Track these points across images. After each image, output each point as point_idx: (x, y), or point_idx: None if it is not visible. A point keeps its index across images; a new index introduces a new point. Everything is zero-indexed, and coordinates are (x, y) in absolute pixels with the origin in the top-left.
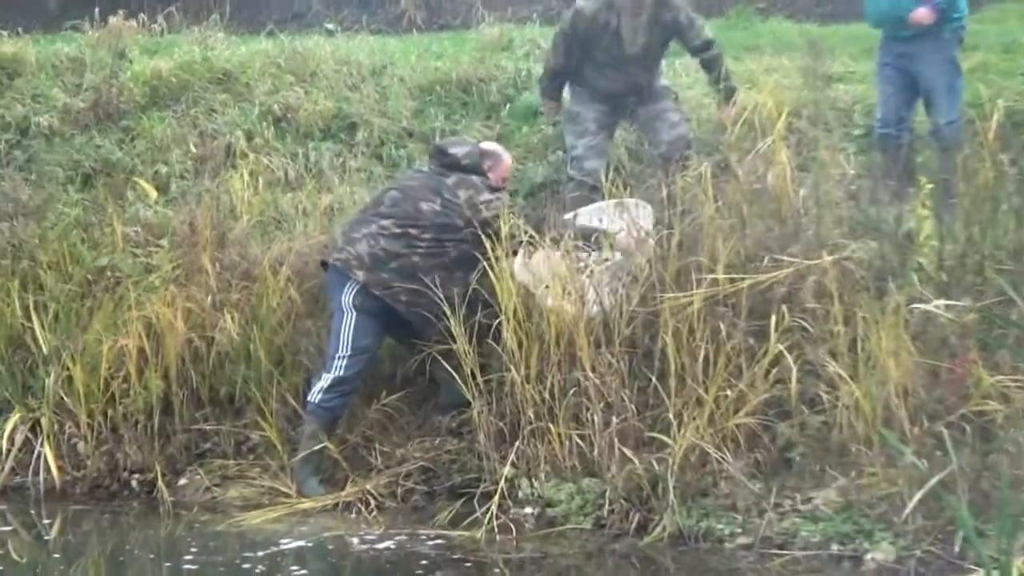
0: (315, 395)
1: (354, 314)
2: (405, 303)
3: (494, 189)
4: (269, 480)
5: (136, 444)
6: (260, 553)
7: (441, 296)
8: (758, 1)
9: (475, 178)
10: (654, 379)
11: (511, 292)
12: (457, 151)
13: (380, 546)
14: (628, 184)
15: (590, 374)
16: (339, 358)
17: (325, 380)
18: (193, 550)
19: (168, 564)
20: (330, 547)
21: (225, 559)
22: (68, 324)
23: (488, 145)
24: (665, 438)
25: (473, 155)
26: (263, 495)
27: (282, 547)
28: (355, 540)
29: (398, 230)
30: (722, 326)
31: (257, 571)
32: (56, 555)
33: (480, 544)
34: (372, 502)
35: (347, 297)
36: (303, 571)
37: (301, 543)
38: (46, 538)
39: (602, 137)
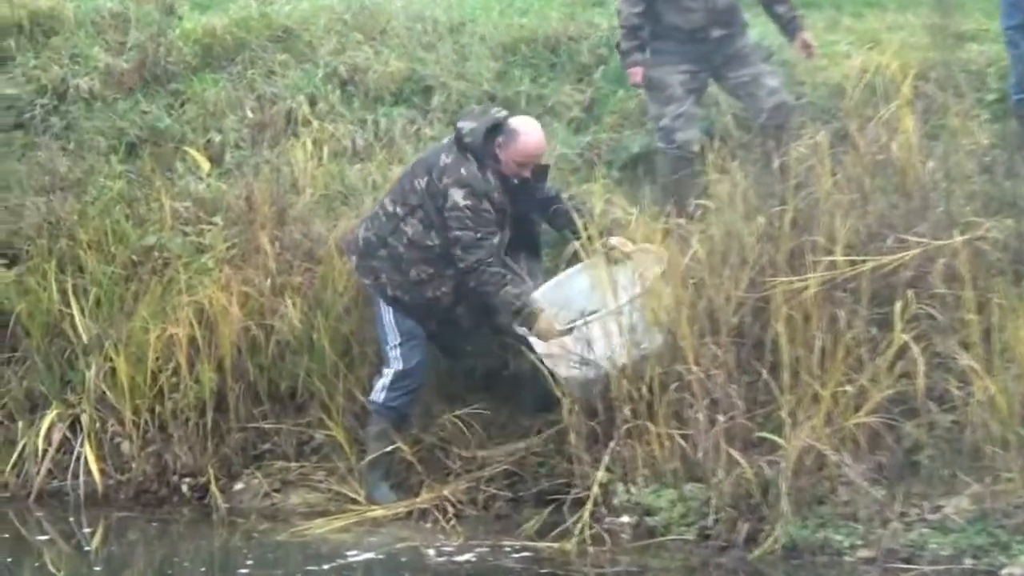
0: (378, 393)
1: None
2: (391, 298)
3: (476, 192)
4: (335, 485)
5: (187, 444)
6: (325, 566)
7: (426, 296)
8: None
9: (466, 166)
10: (765, 373)
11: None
12: (463, 125)
13: (459, 559)
14: (735, 155)
15: (693, 367)
16: (391, 348)
17: (386, 376)
18: (249, 562)
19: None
20: (403, 560)
21: (285, 572)
22: (111, 310)
23: (516, 120)
24: (777, 439)
25: (477, 132)
26: (328, 501)
27: (349, 560)
28: (431, 552)
29: (390, 210)
30: (840, 314)
31: None
32: (97, 568)
33: (571, 557)
34: (450, 510)
35: None
36: None
37: (371, 555)
38: (86, 549)
39: (690, 103)
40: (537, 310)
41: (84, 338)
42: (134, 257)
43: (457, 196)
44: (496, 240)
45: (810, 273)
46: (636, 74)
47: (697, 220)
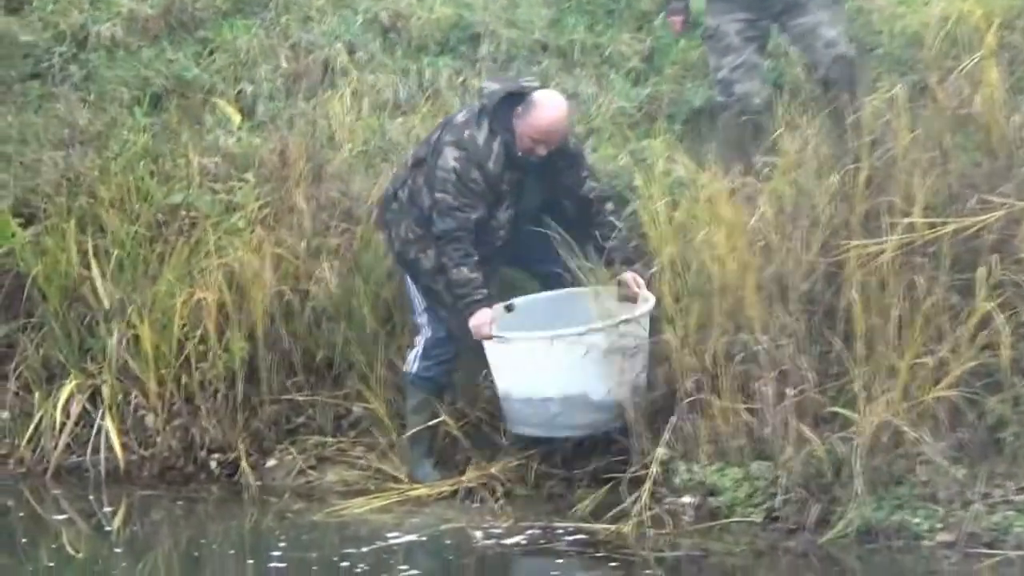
0: (411, 364)
1: None
2: (396, 255)
3: (470, 157)
4: (374, 462)
5: (215, 418)
6: (364, 549)
7: (409, 256)
8: None
9: (473, 129)
10: (837, 343)
11: (666, 238)
12: (487, 85)
13: (508, 541)
14: (806, 109)
15: (761, 337)
16: (418, 315)
17: (418, 345)
18: (282, 544)
19: (252, 561)
20: (448, 542)
21: (321, 555)
22: (134, 273)
23: (540, 93)
24: (850, 414)
25: (495, 96)
26: (367, 480)
27: (390, 542)
28: (478, 534)
29: (406, 162)
30: (919, 280)
31: (359, 570)
32: (119, 549)
33: (628, 540)
34: (498, 489)
35: None
36: (415, 571)
37: (412, 537)
38: (107, 529)
39: (750, 52)
40: (482, 300)
41: (105, 303)
42: (159, 216)
43: (449, 156)
44: (476, 215)
45: (886, 236)
46: (676, 23)
47: (764, 178)
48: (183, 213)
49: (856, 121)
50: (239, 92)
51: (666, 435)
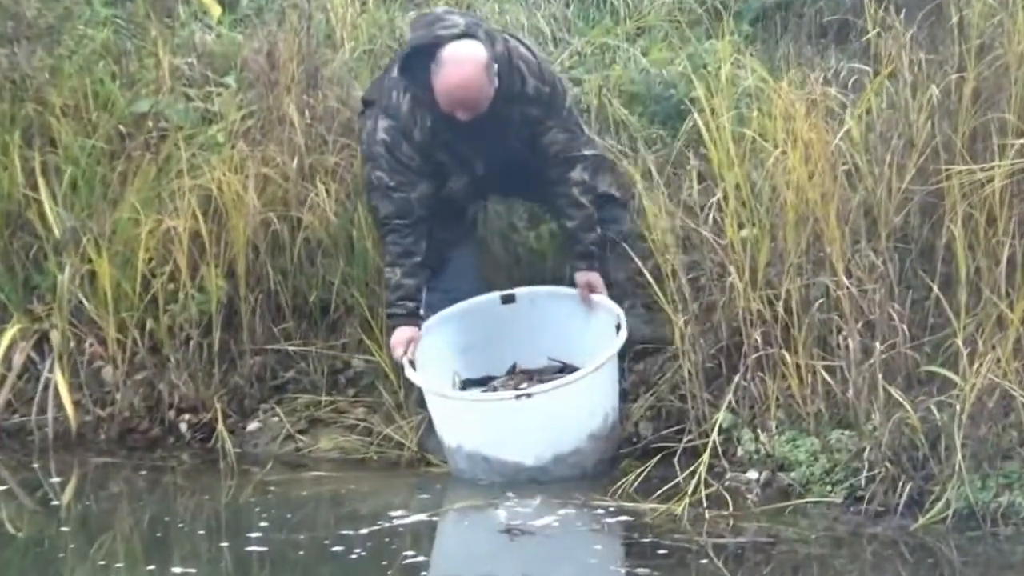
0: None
1: None
2: None
3: (398, 126)
4: (377, 425)
5: (186, 371)
6: (362, 530)
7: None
8: None
9: (398, 90)
10: (935, 289)
11: (731, 160)
12: (410, 33)
13: (537, 523)
14: (900, 7)
15: (844, 280)
16: None
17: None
18: (264, 524)
19: (227, 543)
20: (465, 524)
21: (310, 537)
22: (91, 196)
23: (451, 47)
24: (951, 375)
25: (409, 49)
26: (368, 447)
27: (394, 522)
28: (501, 514)
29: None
30: None
31: (354, 556)
32: (68, 527)
33: (681, 522)
34: None
35: None
36: (421, 557)
37: (422, 517)
38: (55, 503)
39: None
40: (405, 316)
41: (56, 232)
42: (122, 128)
43: (380, 126)
44: (415, 194)
45: (996, 160)
46: None
47: (851, 90)
48: (150, 124)
49: (961, 22)
50: None
51: (728, 397)
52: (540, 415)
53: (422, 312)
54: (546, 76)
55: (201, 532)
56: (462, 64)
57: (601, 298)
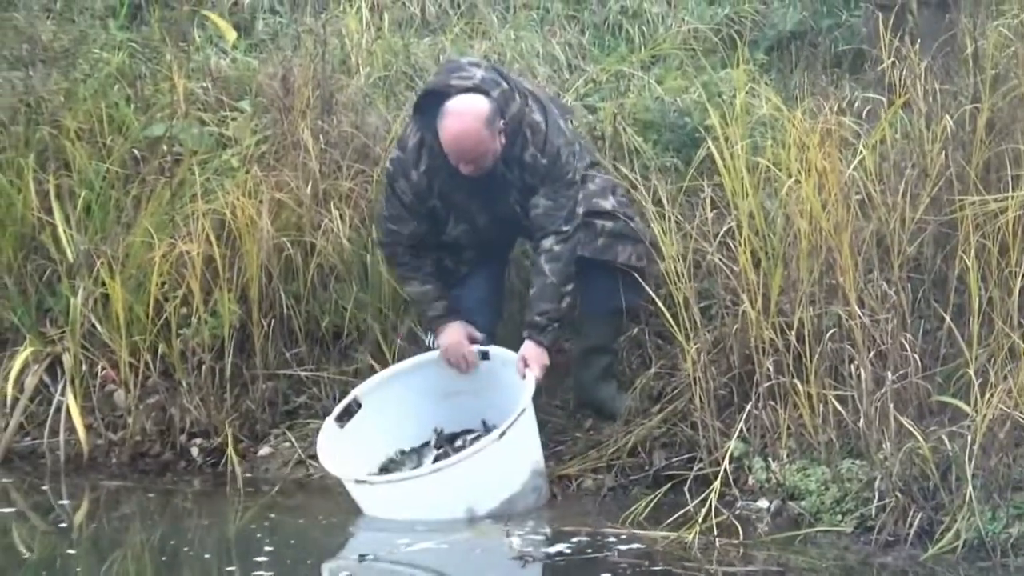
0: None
1: None
2: None
3: (399, 164)
4: None
5: (198, 396)
6: (371, 557)
7: None
8: None
9: (410, 127)
10: (948, 319)
11: (745, 189)
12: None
13: (551, 550)
14: (915, 37)
15: (856, 309)
16: None
17: None
18: (271, 549)
19: (234, 568)
20: (476, 552)
21: (317, 564)
22: (104, 220)
23: (454, 101)
24: (963, 405)
25: (420, 95)
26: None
27: (403, 549)
28: (514, 541)
29: None
30: None
31: None
32: (77, 550)
33: (691, 550)
34: None
35: None
36: None
37: (430, 544)
38: (65, 525)
39: None
40: (444, 315)
41: (69, 255)
42: (136, 152)
43: (391, 155)
44: (408, 230)
45: (1010, 191)
46: None
47: (865, 120)
48: (164, 148)
49: (976, 52)
50: (234, 3)
51: (740, 426)
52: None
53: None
54: (548, 148)
55: (210, 556)
56: (461, 117)
57: (529, 377)
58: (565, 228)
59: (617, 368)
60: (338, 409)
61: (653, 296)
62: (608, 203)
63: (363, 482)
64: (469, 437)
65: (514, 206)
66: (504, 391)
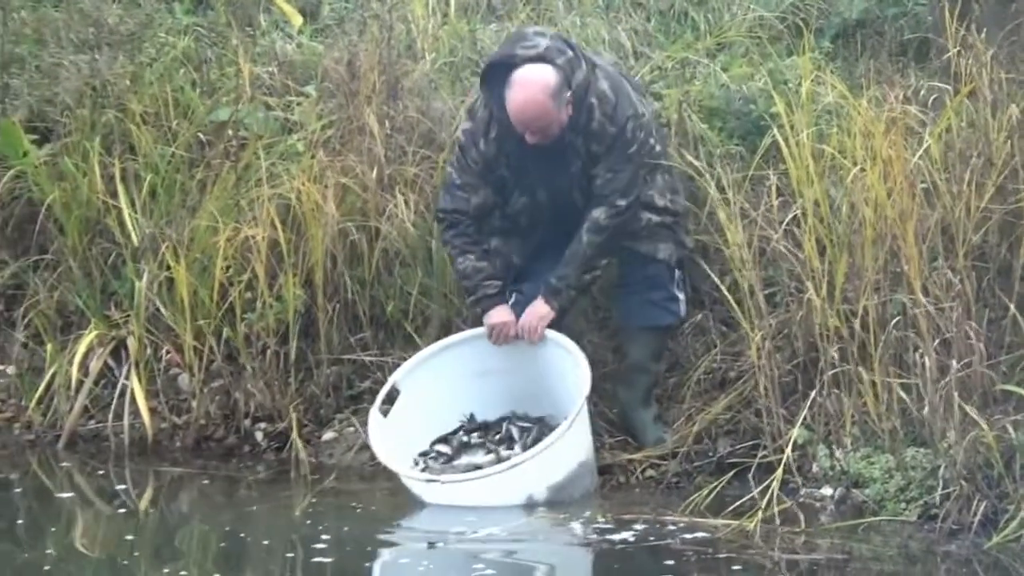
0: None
1: None
2: None
3: (472, 129)
4: None
5: (263, 380)
6: (435, 543)
7: None
8: None
9: (484, 94)
10: (1012, 308)
11: (811, 177)
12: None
13: (614, 537)
14: (981, 25)
15: (921, 298)
16: None
17: None
18: (333, 535)
19: (290, 555)
20: (540, 539)
21: (380, 550)
22: (169, 204)
23: (520, 72)
24: None
25: (487, 63)
26: None
27: (467, 536)
28: (576, 527)
29: None
30: None
31: (422, 568)
32: (139, 536)
33: (753, 538)
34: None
35: None
36: (490, 571)
37: (495, 530)
38: (127, 509)
39: None
40: (496, 295)
41: (134, 239)
42: (201, 136)
43: (463, 126)
44: (476, 200)
45: None
46: None
47: (930, 108)
48: (230, 132)
49: None
50: None
51: (804, 413)
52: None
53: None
54: (618, 118)
55: (272, 542)
56: (526, 87)
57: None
58: (620, 202)
59: (656, 394)
60: (380, 398)
61: (718, 283)
62: (662, 200)
63: (434, 481)
64: (511, 428)
65: (574, 182)
66: (537, 371)
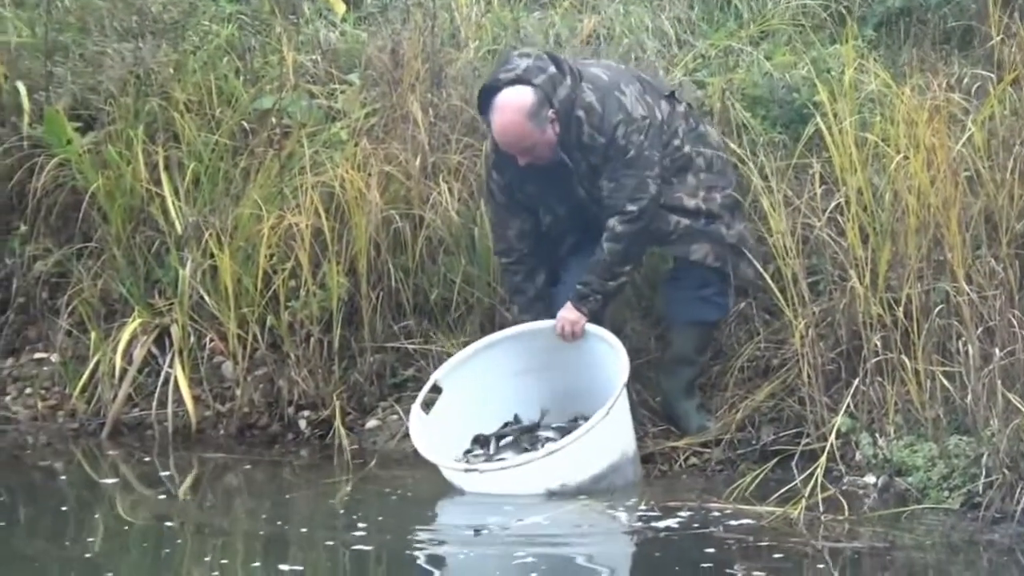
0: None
1: None
2: None
3: (489, 167)
4: None
5: (306, 368)
6: (479, 532)
7: None
8: None
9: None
10: None
11: (854, 165)
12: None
13: (658, 525)
14: (1023, 13)
15: (964, 286)
16: None
17: None
18: (373, 523)
19: (331, 542)
20: (585, 527)
21: (420, 538)
22: (213, 192)
23: (501, 95)
24: None
25: (488, 82)
26: None
27: (511, 524)
28: (622, 516)
29: None
30: None
31: (463, 556)
32: (182, 522)
33: (797, 526)
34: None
35: None
36: (530, 559)
37: (539, 519)
38: (170, 496)
39: None
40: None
41: (178, 227)
42: (245, 124)
43: (487, 163)
44: (513, 231)
45: None
46: None
47: (974, 96)
48: (273, 120)
49: None
50: None
51: (847, 402)
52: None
53: None
54: (605, 128)
55: (313, 528)
56: (503, 111)
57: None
58: (630, 208)
59: (699, 383)
60: (422, 396)
61: (761, 271)
62: (693, 201)
63: (473, 470)
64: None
65: (584, 192)
66: (576, 367)
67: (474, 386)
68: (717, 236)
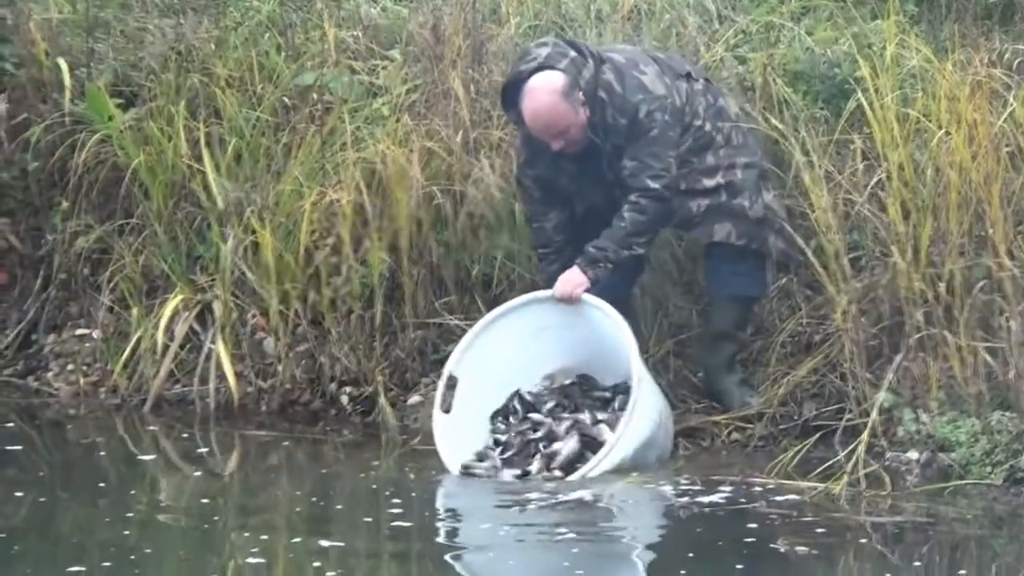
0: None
1: None
2: None
3: (520, 163)
4: None
5: (348, 344)
6: (520, 509)
7: None
8: None
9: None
10: None
11: (895, 140)
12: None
13: (702, 500)
14: None
15: (1006, 261)
16: None
17: None
18: (406, 500)
19: (368, 519)
20: (630, 502)
21: (462, 515)
22: (254, 168)
23: (530, 82)
24: None
25: (510, 76)
26: None
27: (558, 498)
28: (667, 490)
29: None
30: None
31: (503, 532)
32: (224, 499)
33: (839, 501)
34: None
35: None
36: (571, 534)
37: (583, 494)
38: (212, 473)
39: None
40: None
41: (219, 203)
42: (286, 100)
43: (517, 159)
44: (551, 224)
45: None
46: None
47: (1016, 72)
48: (315, 96)
49: None
50: None
51: (889, 377)
52: None
53: None
54: (627, 107)
55: (354, 505)
56: (534, 95)
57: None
58: (653, 186)
59: (740, 359)
60: (439, 395)
61: (803, 246)
62: (712, 181)
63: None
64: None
65: (612, 176)
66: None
67: (483, 367)
68: (740, 212)
